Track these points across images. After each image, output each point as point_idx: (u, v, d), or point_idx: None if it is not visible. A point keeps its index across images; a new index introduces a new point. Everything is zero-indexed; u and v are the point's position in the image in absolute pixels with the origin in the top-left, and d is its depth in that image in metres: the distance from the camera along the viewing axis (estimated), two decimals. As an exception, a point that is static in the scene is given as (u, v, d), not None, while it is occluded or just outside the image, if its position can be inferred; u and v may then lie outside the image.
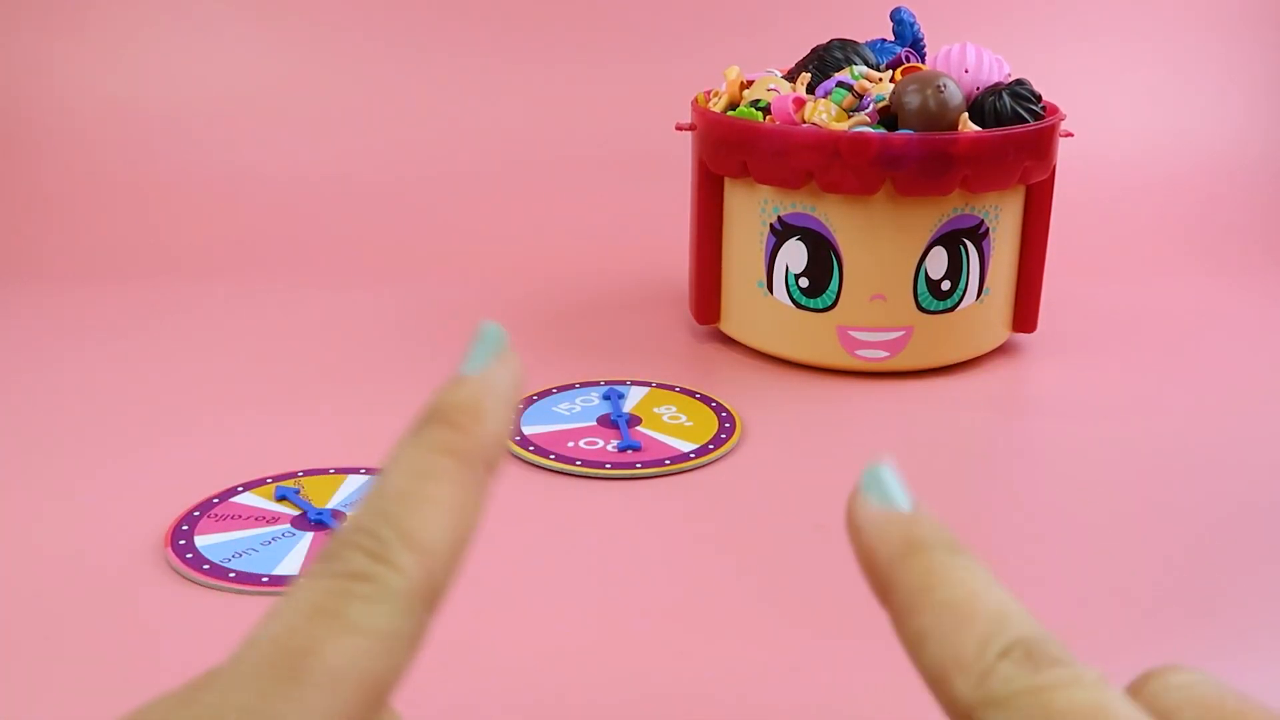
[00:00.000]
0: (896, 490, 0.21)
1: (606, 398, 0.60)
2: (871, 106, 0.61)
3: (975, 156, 0.59)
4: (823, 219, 0.61)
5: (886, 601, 0.21)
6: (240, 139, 0.96)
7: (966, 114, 0.60)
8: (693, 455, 0.54)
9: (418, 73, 1.01)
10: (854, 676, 0.39)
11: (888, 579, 0.21)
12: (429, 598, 0.19)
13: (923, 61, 0.68)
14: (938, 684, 0.19)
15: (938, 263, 0.61)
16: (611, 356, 0.67)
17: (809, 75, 0.65)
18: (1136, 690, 0.20)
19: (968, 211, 0.61)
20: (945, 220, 0.61)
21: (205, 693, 0.18)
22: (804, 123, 0.61)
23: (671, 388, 0.61)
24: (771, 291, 0.63)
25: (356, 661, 0.18)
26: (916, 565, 0.20)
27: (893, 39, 0.70)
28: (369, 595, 0.18)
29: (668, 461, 0.53)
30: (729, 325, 0.67)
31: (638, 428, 0.57)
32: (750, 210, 0.63)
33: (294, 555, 0.45)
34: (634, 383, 0.62)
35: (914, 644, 0.20)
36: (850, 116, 0.61)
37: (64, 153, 0.94)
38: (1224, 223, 0.94)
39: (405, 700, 0.37)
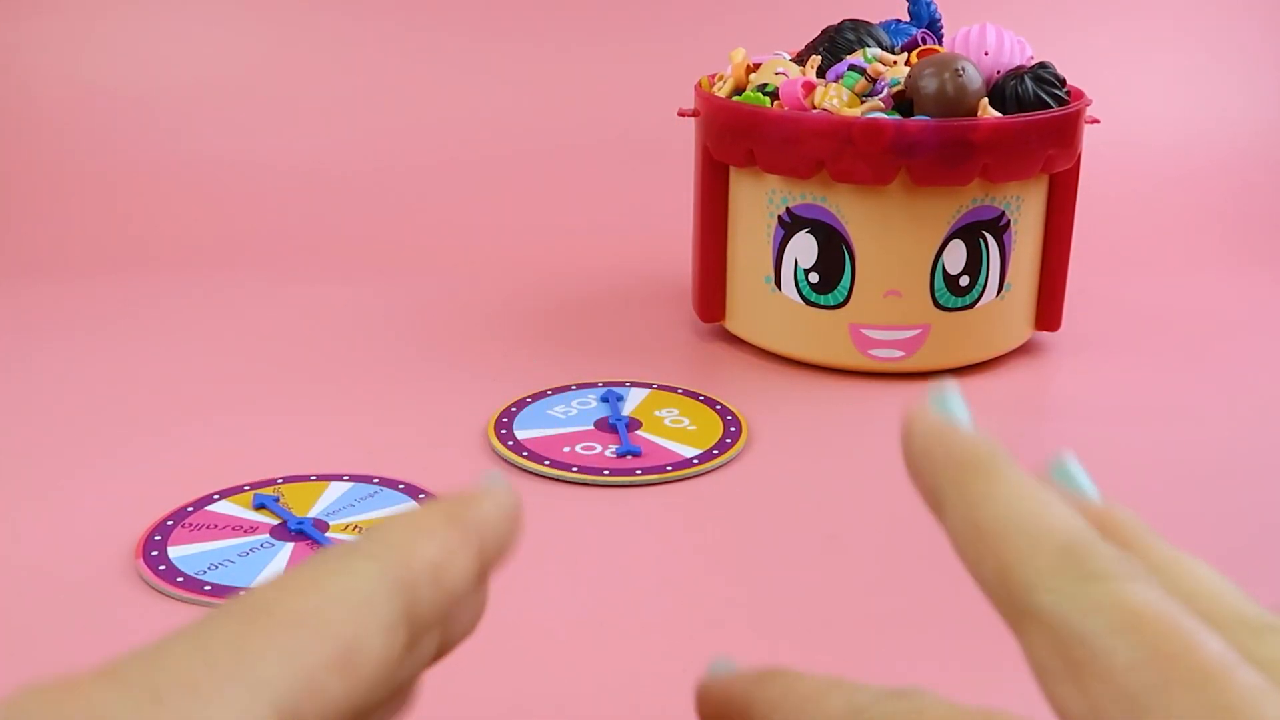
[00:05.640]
0: (961, 411, 0.22)
1: (605, 400, 0.60)
2: (886, 91, 0.61)
3: (996, 144, 0.59)
4: (834, 210, 0.61)
5: (939, 514, 0.21)
6: (216, 126, 0.96)
7: (986, 99, 0.60)
8: (696, 461, 0.54)
9: (404, 55, 1.01)
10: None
11: (939, 493, 0.21)
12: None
13: (940, 43, 0.68)
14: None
15: (956, 257, 0.61)
16: (610, 356, 0.67)
17: (819, 58, 0.65)
18: None
19: (988, 202, 0.61)
20: (964, 212, 0.61)
21: None
22: (814, 108, 0.61)
23: (673, 389, 0.61)
24: (779, 287, 0.63)
25: None
26: (975, 483, 0.21)
27: (908, 19, 0.70)
28: None
29: (669, 468, 0.53)
30: (734, 323, 0.67)
31: (638, 432, 0.56)
32: (757, 201, 0.63)
33: (273, 567, 0.45)
34: (634, 384, 0.62)
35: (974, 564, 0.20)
36: (863, 102, 0.61)
37: (27, 139, 0.93)
38: (1258, 214, 0.94)
39: None
